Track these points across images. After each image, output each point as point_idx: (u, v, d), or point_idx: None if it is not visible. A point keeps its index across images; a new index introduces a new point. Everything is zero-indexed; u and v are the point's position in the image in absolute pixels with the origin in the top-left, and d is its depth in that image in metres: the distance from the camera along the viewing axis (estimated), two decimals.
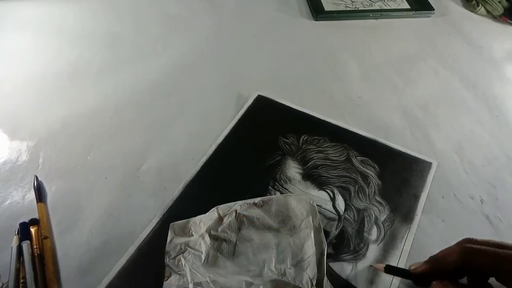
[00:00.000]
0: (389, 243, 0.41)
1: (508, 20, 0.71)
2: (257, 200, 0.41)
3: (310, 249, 0.38)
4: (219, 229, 0.39)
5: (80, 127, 0.52)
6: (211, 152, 0.48)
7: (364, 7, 0.72)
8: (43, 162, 0.48)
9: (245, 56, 0.63)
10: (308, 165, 0.47)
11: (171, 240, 0.39)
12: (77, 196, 0.45)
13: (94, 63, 0.61)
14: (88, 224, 0.42)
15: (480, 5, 0.72)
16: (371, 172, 0.47)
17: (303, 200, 0.41)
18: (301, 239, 0.39)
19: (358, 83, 0.59)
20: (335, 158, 0.48)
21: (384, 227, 0.42)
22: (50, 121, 0.52)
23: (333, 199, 0.44)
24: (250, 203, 0.41)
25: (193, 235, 0.39)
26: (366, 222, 0.42)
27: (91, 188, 0.45)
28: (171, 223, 0.40)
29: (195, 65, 0.61)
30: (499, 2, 0.70)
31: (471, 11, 0.74)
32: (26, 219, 0.42)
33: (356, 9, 0.72)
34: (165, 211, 0.43)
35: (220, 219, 0.40)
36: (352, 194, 0.45)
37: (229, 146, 0.49)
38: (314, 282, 0.36)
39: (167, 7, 0.72)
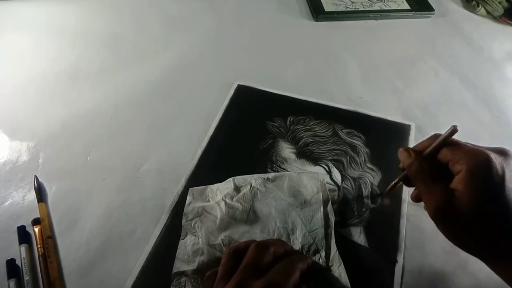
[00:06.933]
0: (387, 203, 0.45)
1: (508, 21, 0.71)
2: (271, 175, 0.44)
3: (319, 222, 0.41)
4: (234, 199, 0.42)
5: (80, 128, 0.51)
6: (205, 145, 0.49)
7: (364, 7, 0.72)
8: (43, 162, 0.48)
9: (245, 57, 0.63)
10: (299, 144, 0.50)
11: (189, 203, 0.42)
12: (77, 197, 0.44)
13: (94, 64, 0.61)
14: (88, 224, 0.42)
15: (480, 6, 0.72)
16: (358, 142, 0.50)
17: (315, 177, 0.44)
18: (311, 212, 0.42)
19: (358, 83, 0.59)
20: (323, 134, 0.51)
21: (379, 189, 0.46)
22: (50, 122, 0.52)
23: (329, 172, 0.47)
24: (264, 178, 0.44)
25: (209, 201, 0.43)
26: (363, 188, 0.46)
27: (91, 188, 0.45)
28: (190, 188, 0.44)
29: (195, 65, 0.61)
30: (499, 2, 0.70)
31: (471, 11, 0.74)
32: (26, 219, 0.42)
33: (356, 9, 0.72)
34: (171, 209, 0.43)
35: (236, 189, 0.43)
36: (346, 165, 0.48)
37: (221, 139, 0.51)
38: (323, 254, 0.38)
39: (167, 7, 0.72)
